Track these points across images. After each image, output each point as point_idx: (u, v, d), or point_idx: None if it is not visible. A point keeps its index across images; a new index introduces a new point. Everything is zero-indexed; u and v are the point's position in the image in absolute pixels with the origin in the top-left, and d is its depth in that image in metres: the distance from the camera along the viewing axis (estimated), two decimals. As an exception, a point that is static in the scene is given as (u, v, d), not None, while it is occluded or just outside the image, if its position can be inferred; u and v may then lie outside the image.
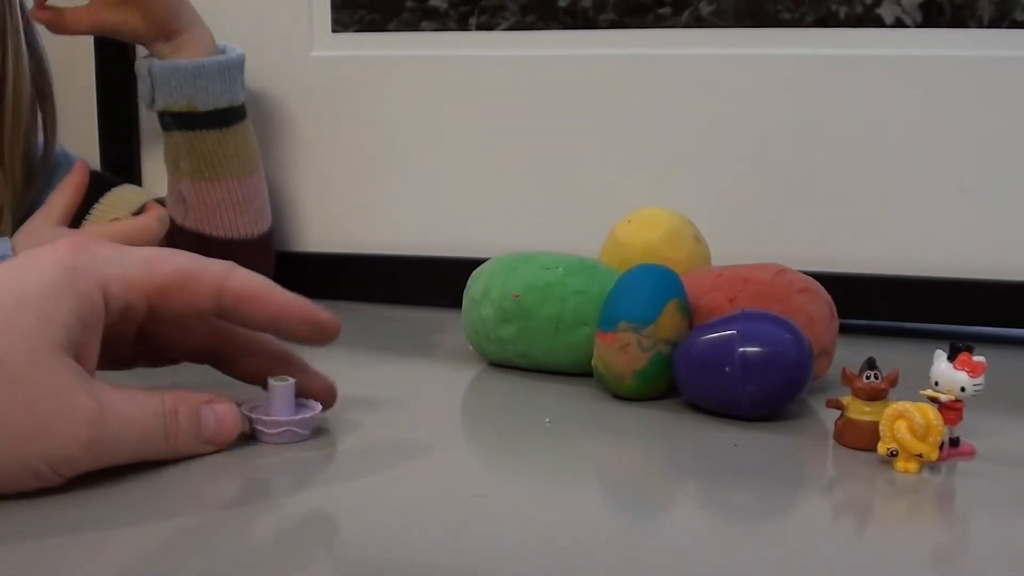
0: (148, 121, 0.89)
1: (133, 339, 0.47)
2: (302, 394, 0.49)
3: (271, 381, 0.47)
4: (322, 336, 0.47)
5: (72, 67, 0.84)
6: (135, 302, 0.43)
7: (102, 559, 0.36)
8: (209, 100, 0.77)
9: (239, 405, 0.47)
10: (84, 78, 0.87)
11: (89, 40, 0.87)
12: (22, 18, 0.76)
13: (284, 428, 0.47)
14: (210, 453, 0.45)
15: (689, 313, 0.57)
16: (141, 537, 0.38)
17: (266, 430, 0.47)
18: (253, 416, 0.47)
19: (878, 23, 0.75)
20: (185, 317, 0.46)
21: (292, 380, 0.48)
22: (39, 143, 0.78)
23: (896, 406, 0.46)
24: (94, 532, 0.38)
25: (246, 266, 0.47)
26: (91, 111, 0.88)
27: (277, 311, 0.45)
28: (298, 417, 0.47)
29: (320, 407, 0.49)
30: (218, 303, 0.45)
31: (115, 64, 0.88)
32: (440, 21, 0.82)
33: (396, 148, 0.85)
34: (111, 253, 0.43)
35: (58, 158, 0.80)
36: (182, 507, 0.41)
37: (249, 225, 0.80)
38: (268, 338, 0.49)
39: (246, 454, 0.46)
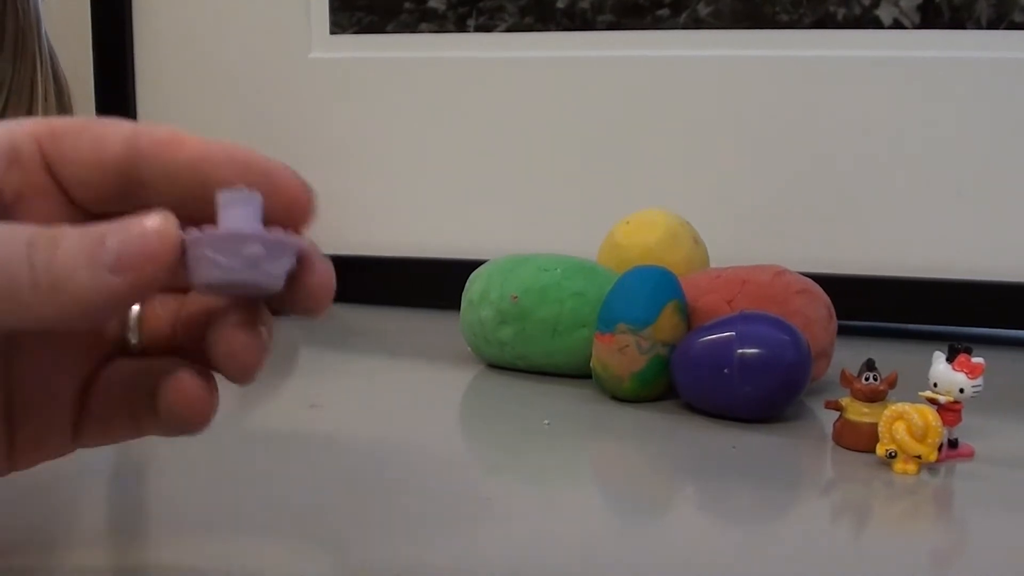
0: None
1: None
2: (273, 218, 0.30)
3: (223, 191, 0.29)
4: (278, 194, 0.30)
5: (71, 70, 0.84)
6: (22, 145, 0.31)
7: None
8: None
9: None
10: (84, 80, 0.87)
11: (87, 44, 0.87)
12: (48, 47, 0.77)
13: (248, 252, 0.28)
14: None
15: (687, 315, 0.57)
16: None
17: (217, 256, 0.28)
18: (196, 236, 0.28)
19: (876, 24, 0.75)
20: (86, 169, 0.31)
21: (258, 193, 0.29)
22: None
23: (895, 407, 0.46)
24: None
25: None
26: (90, 116, 0.88)
27: (198, 153, 0.31)
28: (270, 236, 0.28)
29: (303, 241, 0.30)
30: (130, 149, 0.31)
31: (114, 69, 0.88)
32: (438, 23, 0.82)
33: (395, 150, 0.85)
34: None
35: None
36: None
37: None
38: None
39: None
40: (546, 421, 0.54)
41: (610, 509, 0.44)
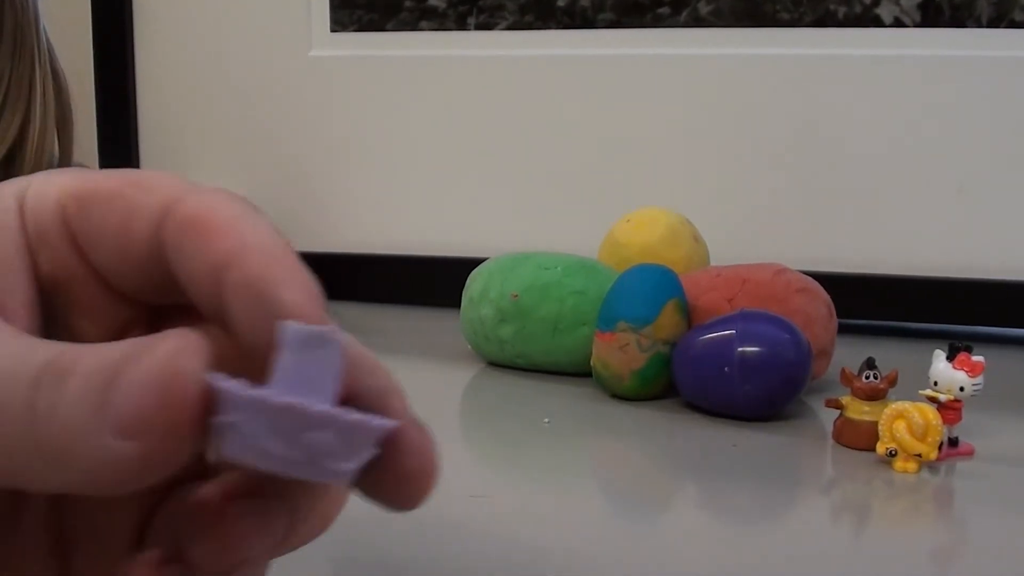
0: (147, 127, 0.89)
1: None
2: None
3: (288, 325, 0.19)
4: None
5: (71, 70, 0.84)
6: (47, 217, 0.22)
7: None
8: None
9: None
10: (84, 79, 0.87)
11: (87, 44, 0.87)
12: (46, 43, 0.77)
13: (311, 440, 0.19)
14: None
15: (688, 313, 0.57)
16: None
17: (262, 439, 0.18)
18: (235, 393, 0.18)
19: (877, 23, 0.75)
20: (107, 251, 0.22)
21: (338, 332, 0.20)
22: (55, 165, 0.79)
23: (895, 406, 0.46)
24: None
25: None
26: (90, 114, 0.88)
27: (229, 250, 0.20)
28: (348, 419, 0.19)
29: (389, 421, 0.20)
30: (156, 233, 0.21)
31: (114, 69, 0.88)
32: (438, 21, 0.82)
33: (395, 148, 0.85)
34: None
35: None
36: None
37: None
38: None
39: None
40: (546, 419, 0.54)
41: (611, 507, 0.44)
